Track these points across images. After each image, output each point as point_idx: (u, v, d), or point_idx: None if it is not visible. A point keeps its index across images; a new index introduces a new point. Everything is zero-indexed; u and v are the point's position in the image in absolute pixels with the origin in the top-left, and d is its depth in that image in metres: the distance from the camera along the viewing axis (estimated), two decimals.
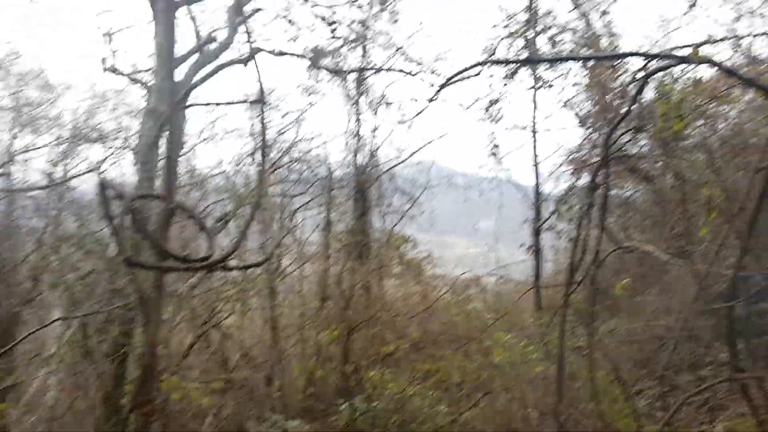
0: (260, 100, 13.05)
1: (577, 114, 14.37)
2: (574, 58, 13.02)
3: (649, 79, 3.19)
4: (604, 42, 12.89)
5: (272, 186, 17.15)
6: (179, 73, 10.53)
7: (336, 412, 6.25)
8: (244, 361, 8.39)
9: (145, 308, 4.26)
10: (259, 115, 17.56)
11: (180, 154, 12.70)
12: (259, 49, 9.82)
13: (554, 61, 10.65)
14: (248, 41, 11.25)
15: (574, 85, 13.98)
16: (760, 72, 6.93)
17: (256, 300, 11.92)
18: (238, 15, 8.26)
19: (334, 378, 6.28)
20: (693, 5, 10.80)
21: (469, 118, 12.61)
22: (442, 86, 9.77)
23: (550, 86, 13.30)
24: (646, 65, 3.01)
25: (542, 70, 11.04)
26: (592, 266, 3.72)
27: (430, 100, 10.36)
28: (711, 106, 8.92)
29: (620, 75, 12.15)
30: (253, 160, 18.23)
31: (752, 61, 8.24)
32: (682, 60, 2.78)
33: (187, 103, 10.26)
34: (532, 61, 10.80)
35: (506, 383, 5.77)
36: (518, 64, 10.31)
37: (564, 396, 5.37)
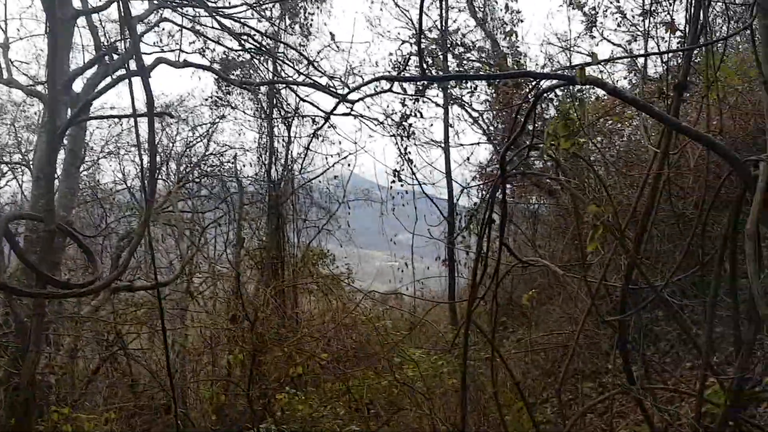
0: (163, 113, 12.64)
1: (484, 131, 14.81)
2: (472, 77, 13.40)
3: (542, 97, 3.26)
4: (509, 61, 13.36)
5: (180, 201, 16.59)
6: (79, 85, 10.04)
7: None
8: (152, 386, 8.00)
9: (24, 337, 3.95)
10: (163, 129, 17.00)
11: (79, 168, 12.10)
12: (161, 60, 9.48)
13: (453, 78, 10.89)
14: (160, 51, 10.93)
15: (482, 102, 14.41)
16: (651, 91, 7.31)
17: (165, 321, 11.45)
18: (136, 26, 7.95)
19: (241, 402, 6.06)
20: (590, 27, 11.37)
21: (385, 132, 12.68)
22: (343, 99, 9.79)
23: (461, 104, 13.63)
24: (537, 84, 3.07)
25: (451, 87, 11.24)
26: (492, 282, 3.74)
27: (329, 115, 10.30)
28: (608, 123, 9.38)
29: (527, 92, 12.60)
30: (159, 174, 17.60)
31: (646, 81, 8.73)
32: (570, 80, 2.84)
33: (87, 116, 9.78)
34: (433, 78, 10.99)
35: (417, 399, 5.74)
36: (422, 81, 10.43)
37: (471, 409, 5.41)
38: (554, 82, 3.25)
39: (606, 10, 12.28)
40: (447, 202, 13.93)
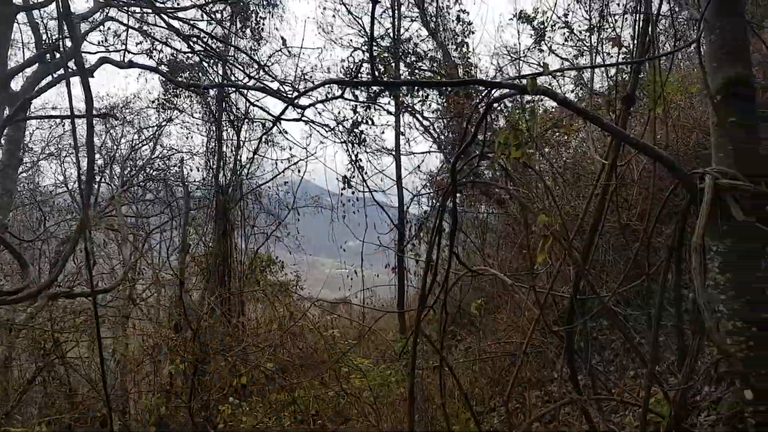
0: (106, 114, 12.24)
1: (435, 140, 14.90)
2: (424, 83, 13.43)
3: (492, 107, 3.25)
4: (460, 72, 13.48)
5: (124, 205, 16.09)
6: (19, 83, 9.64)
7: None
8: (90, 396, 7.65)
9: None
10: (108, 131, 16.47)
11: (17, 170, 11.58)
12: (105, 60, 9.18)
13: (404, 84, 10.88)
14: (105, 51, 10.56)
15: (434, 111, 14.50)
16: (598, 104, 7.46)
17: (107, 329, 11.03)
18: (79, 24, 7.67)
19: (183, 414, 5.85)
20: (538, 41, 11.58)
21: (336, 139, 12.60)
22: (292, 101, 9.67)
23: (413, 112, 13.67)
24: (488, 93, 3.05)
25: (403, 94, 11.24)
26: (441, 291, 3.70)
27: (277, 118, 10.18)
28: (556, 135, 9.55)
29: (478, 101, 12.74)
30: (103, 177, 17.03)
31: (593, 95, 8.94)
32: (522, 89, 2.83)
33: (25, 115, 9.38)
34: (384, 83, 10.97)
35: (364, 410, 5.66)
36: (373, 86, 10.40)
37: (419, 419, 5.36)
38: (505, 91, 3.25)
39: (554, 25, 12.54)
40: (397, 210, 13.90)
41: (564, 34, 12.69)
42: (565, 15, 12.46)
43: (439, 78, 10.33)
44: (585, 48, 12.44)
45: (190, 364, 5.07)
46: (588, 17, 12.43)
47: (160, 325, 9.22)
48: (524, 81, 2.80)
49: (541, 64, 10.62)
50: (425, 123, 14.39)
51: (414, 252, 11.32)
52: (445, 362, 3.82)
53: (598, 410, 3.92)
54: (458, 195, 3.86)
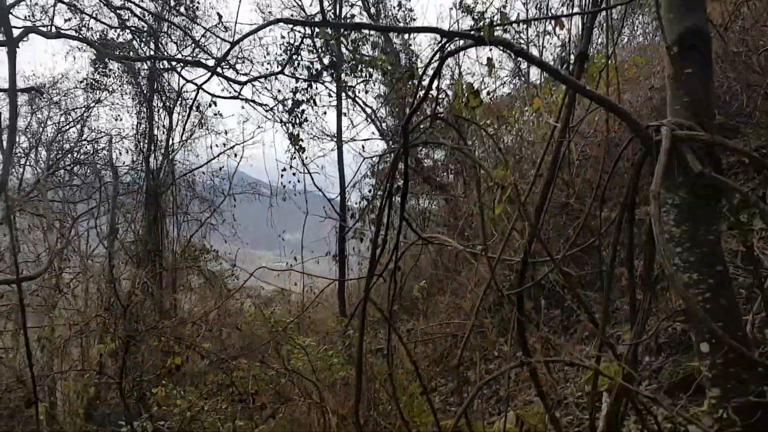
0: (31, 89, 11.53)
1: (377, 127, 14.79)
2: (371, 26, 13.17)
3: (445, 62, 3.15)
4: (402, 58, 13.41)
5: (50, 190, 15.26)
6: None
7: None
8: (14, 384, 7.18)
9: None
10: (33, 113, 15.57)
11: None
12: (31, 29, 8.59)
13: (352, 27, 10.56)
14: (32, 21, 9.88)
15: (377, 97, 14.37)
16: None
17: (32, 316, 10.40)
18: None
19: (113, 397, 5.52)
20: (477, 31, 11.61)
21: (275, 119, 12.26)
22: (219, 62, 9.31)
23: (354, 97, 13.49)
24: (443, 46, 2.94)
25: (345, 73, 11.03)
26: (391, 259, 3.57)
27: (202, 88, 9.78)
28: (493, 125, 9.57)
29: (431, 56, 12.71)
30: (28, 161, 16.10)
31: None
32: (478, 40, 2.73)
33: None
34: (330, 24, 10.63)
35: (306, 390, 5.48)
36: (318, 26, 10.05)
37: (365, 397, 5.24)
38: (461, 43, 3.15)
39: (494, 17, 12.60)
40: (339, 197, 13.70)
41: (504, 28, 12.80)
42: (503, 7, 12.54)
43: (381, 59, 10.15)
44: (522, 40, 12.60)
45: (121, 342, 4.76)
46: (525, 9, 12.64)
47: (90, 310, 8.75)
48: (481, 33, 2.70)
49: (500, 11, 10.60)
50: (367, 110, 14.27)
51: (357, 235, 11.14)
52: (393, 330, 3.69)
53: (548, 373, 3.89)
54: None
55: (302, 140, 11.19)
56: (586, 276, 4.89)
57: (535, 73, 12.59)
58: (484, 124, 9.77)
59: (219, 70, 9.90)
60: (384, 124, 14.80)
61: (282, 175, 12.61)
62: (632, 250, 2.90)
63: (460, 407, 3.37)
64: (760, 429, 2.42)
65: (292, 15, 12.64)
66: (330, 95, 11.52)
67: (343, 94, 12.27)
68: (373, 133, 14.69)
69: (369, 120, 14.27)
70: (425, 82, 3.46)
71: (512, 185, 2.58)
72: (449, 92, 10.30)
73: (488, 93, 9.90)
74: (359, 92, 12.84)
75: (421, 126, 5.15)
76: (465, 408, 3.19)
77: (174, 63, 11.73)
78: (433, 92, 3.16)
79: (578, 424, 4.32)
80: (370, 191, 13.90)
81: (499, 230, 4.75)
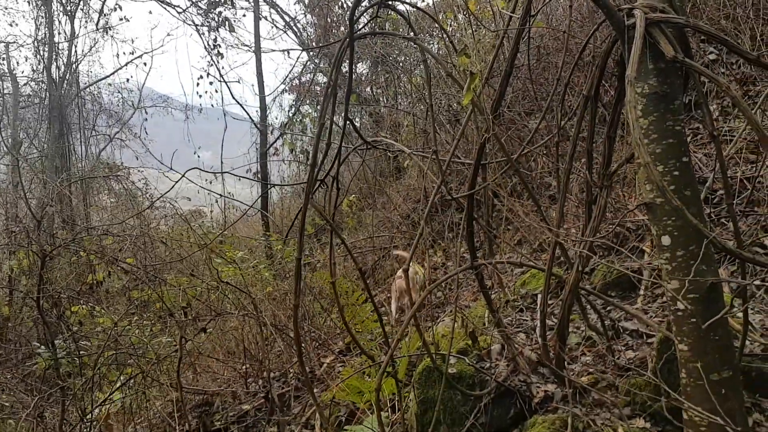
0: None
1: (298, 36, 14.10)
2: None
3: None
4: None
5: None
6: None
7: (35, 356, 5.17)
8: None
9: None
10: None
11: None
12: None
13: None
14: None
15: (297, 2, 13.61)
16: None
17: None
18: None
19: (30, 316, 5.13)
20: None
21: (188, 30, 11.35)
22: None
23: (273, 5, 12.72)
24: None
25: None
26: (334, 163, 3.34)
27: None
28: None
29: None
30: None
31: None
32: None
33: None
34: None
35: (237, 303, 5.29)
36: None
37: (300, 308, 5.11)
38: None
39: None
40: (259, 111, 13.12)
41: None
42: None
43: None
44: None
45: (36, 257, 4.35)
46: None
47: None
48: None
49: None
50: (285, 18, 13.55)
51: (279, 156, 10.72)
52: (338, 236, 3.52)
53: (497, 275, 3.88)
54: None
55: (219, 45, 10.47)
56: (537, 177, 4.87)
57: None
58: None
59: None
60: (305, 34, 14.15)
61: (198, 84, 11.89)
62: (592, 146, 2.81)
63: (409, 311, 3.28)
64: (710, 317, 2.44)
65: None
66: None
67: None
68: (293, 44, 14.02)
69: (288, 28, 13.60)
70: None
71: (480, 73, 2.38)
72: None
73: None
74: None
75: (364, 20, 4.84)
76: (414, 311, 3.10)
77: None
78: None
79: (517, 325, 4.38)
80: (291, 107, 13.41)
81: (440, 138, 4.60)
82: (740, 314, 2.89)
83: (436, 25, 8.15)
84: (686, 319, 2.46)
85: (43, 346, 4.84)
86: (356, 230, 9.13)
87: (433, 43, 10.20)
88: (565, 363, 3.17)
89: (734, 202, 4.09)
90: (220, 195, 8.53)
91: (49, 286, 4.75)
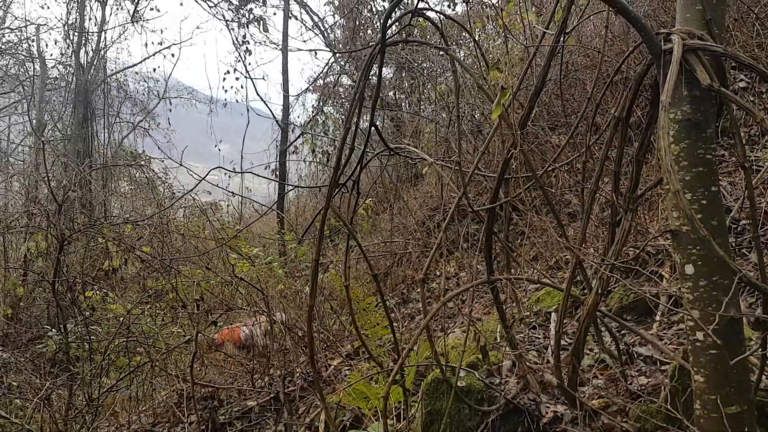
0: None
1: (324, 37, 14.15)
2: None
3: None
4: None
5: None
6: None
7: (45, 338, 5.22)
8: None
9: None
10: None
11: None
12: None
13: None
14: None
15: (327, 4, 13.66)
16: None
17: None
18: None
19: (43, 298, 5.17)
20: None
21: (218, 25, 11.46)
22: None
23: (302, 4, 12.77)
24: None
25: None
26: (356, 167, 3.34)
27: None
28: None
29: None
30: None
31: None
32: None
33: None
34: None
35: (249, 299, 5.31)
36: None
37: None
38: None
39: None
40: (282, 109, 13.16)
41: None
42: None
43: None
44: None
45: (55, 241, 4.38)
46: None
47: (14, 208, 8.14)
48: None
49: None
50: (314, 18, 13.60)
51: (299, 154, 10.75)
52: (354, 240, 3.52)
53: (513, 291, 3.86)
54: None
55: (248, 42, 10.52)
56: (558, 193, 4.83)
57: None
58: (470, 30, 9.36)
59: None
60: (332, 35, 14.20)
61: (224, 79, 11.93)
62: (620, 167, 2.79)
63: (422, 321, 3.27)
64: (732, 354, 2.41)
65: None
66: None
67: None
68: (319, 44, 14.06)
69: (317, 28, 13.64)
70: None
71: (511, 87, 2.37)
72: None
73: None
74: None
75: (394, 27, 4.84)
76: (428, 321, 3.09)
77: None
78: None
79: (530, 342, 4.35)
80: (313, 107, 13.44)
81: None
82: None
83: (465, 34, 8.14)
84: (705, 350, 2.43)
85: (54, 329, 4.88)
86: (371, 234, 9.12)
87: (460, 52, 10.20)
88: (577, 385, 3.14)
89: (759, 233, 4.03)
90: (235, 194, 8.55)
91: (65, 270, 4.80)
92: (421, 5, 3.24)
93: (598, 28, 5.73)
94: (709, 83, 2.30)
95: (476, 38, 6.89)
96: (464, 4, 8.06)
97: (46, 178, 5.32)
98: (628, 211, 2.79)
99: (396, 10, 3.90)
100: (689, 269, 2.45)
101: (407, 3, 10.28)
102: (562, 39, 2.86)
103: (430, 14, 5.36)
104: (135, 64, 14.65)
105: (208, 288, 5.17)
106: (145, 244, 5.38)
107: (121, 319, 4.76)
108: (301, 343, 5.40)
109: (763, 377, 2.91)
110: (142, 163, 11.07)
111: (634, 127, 3.00)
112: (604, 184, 3.86)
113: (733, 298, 2.42)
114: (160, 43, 14.29)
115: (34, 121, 13.00)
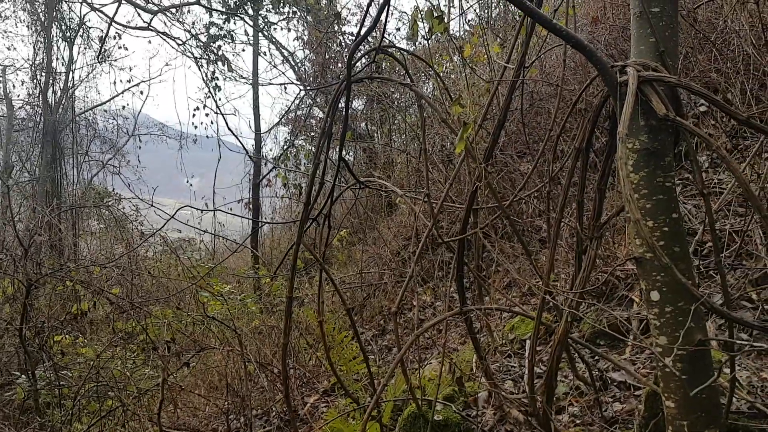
0: None
1: (295, 71, 14.25)
2: None
3: None
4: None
5: None
6: None
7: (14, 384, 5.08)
8: None
9: None
10: None
11: None
12: None
13: None
14: None
15: (296, 39, 13.79)
16: None
17: None
18: None
19: (11, 344, 5.03)
20: None
21: (186, 62, 11.54)
22: None
23: (272, 39, 12.87)
24: None
25: (266, 9, 10.44)
26: (327, 201, 3.34)
27: (114, 21, 9.03)
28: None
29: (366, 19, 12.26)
30: None
31: None
32: None
33: None
34: None
35: (222, 338, 5.23)
36: None
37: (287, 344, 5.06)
38: None
39: None
40: (254, 143, 13.15)
41: None
42: None
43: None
44: None
45: (21, 286, 4.29)
46: None
47: None
48: None
49: None
50: (284, 52, 13.71)
51: (280, 174, 10.68)
52: (327, 274, 3.51)
53: (486, 320, 3.86)
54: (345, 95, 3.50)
55: (217, 78, 10.55)
56: (528, 220, 4.89)
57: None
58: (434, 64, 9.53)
59: None
60: (302, 69, 14.31)
61: (194, 115, 11.95)
62: (583, 196, 2.83)
63: (397, 354, 3.25)
64: (700, 378, 2.44)
65: None
66: (246, 33, 10.92)
67: (261, 34, 11.66)
68: (290, 78, 14.16)
69: (286, 62, 13.75)
70: (373, 11, 3.21)
71: (473, 122, 2.41)
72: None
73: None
74: (280, 29, 12.28)
75: (362, 61, 4.93)
76: (402, 355, 3.07)
77: None
78: (382, 20, 2.90)
79: (505, 371, 4.34)
80: (285, 140, 13.47)
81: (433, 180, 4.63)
82: (727, 370, 2.88)
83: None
84: (673, 376, 2.45)
85: (23, 375, 4.75)
86: (346, 265, 9.09)
87: (428, 83, 10.35)
88: (553, 414, 3.14)
89: (722, 256, 4.11)
90: (206, 231, 8.47)
91: (33, 315, 4.69)
92: (386, 42, 3.29)
93: (560, 57, 5.88)
94: (665, 113, 2.36)
95: (441, 72, 7.02)
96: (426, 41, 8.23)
97: (12, 223, 5.22)
98: (593, 240, 2.83)
99: (361, 46, 3.95)
100: (655, 296, 2.49)
101: (375, 37, 10.42)
102: (522, 73, 2.92)
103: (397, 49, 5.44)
104: (104, 102, 14.58)
105: (180, 328, 5.09)
106: (114, 285, 5.30)
107: (92, 363, 4.65)
108: (276, 381, 5.32)
109: (734, 399, 2.94)
110: (110, 202, 10.93)
111: (599, 153, 3.05)
112: (569, 213, 3.92)
113: (698, 323, 2.45)
114: (129, 81, 14.29)
115: (1, 162, 12.82)
